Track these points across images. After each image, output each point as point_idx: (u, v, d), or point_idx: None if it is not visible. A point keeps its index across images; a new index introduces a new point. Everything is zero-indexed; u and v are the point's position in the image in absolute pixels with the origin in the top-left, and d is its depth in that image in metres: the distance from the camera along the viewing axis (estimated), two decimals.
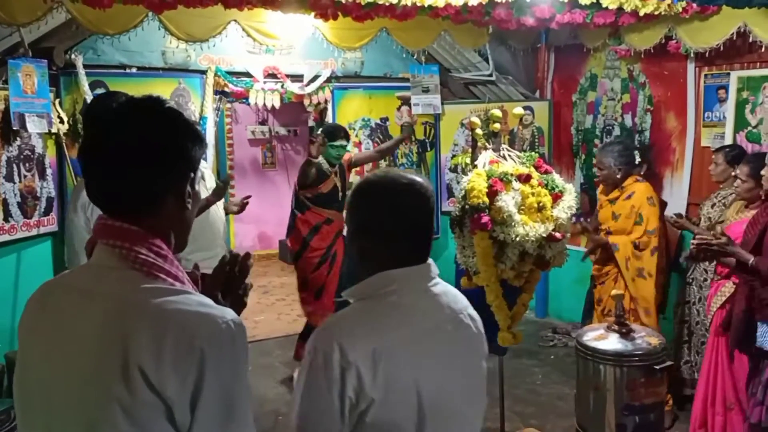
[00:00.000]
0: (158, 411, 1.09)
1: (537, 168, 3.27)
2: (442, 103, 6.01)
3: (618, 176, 4.16)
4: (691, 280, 4.07)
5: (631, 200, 4.10)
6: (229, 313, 1.16)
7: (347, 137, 4.70)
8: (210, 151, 5.31)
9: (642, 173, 4.49)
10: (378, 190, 1.49)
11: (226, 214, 4.15)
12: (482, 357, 1.57)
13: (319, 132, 4.71)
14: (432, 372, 1.41)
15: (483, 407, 1.59)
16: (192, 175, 1.25)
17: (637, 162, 4.54)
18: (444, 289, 1.52)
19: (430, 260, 1.51)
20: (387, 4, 3.77)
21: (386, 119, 6.01)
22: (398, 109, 6.04)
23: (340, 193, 4.64)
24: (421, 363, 1.40)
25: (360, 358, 1.33)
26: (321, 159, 4.55)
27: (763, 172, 3.11)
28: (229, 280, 1.39)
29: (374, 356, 1.33)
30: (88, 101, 4.24)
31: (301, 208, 4.60)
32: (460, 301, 1.55)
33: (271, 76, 5.49)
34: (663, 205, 4.33)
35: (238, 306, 1.37)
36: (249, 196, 4.23)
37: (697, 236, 3.04)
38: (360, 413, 1.34)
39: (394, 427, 1.36)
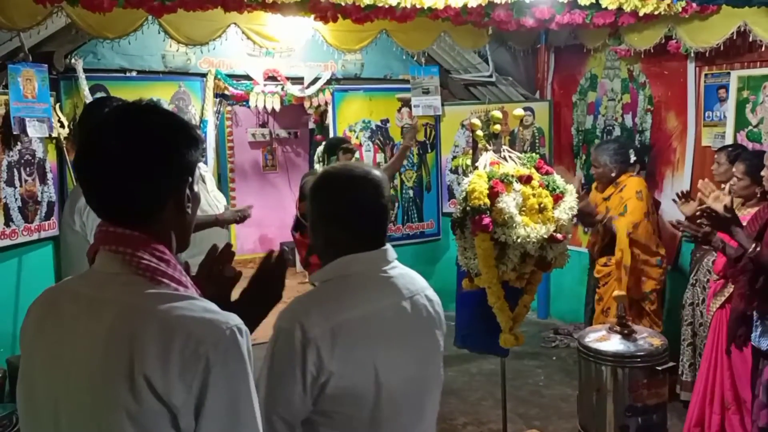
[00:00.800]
0: (164, 418, 1.09)
1: (538, 169, 3.27)
2: (443, 105, 6.01)
3: (613, 174, 4.26)
4: (694, 281, 4.06)
5: (621, 193, 4.24)
6: (233, 319, 1.16)
7: (352, 150, 4.65)
8: (210, 155, 5.31)
9: (636, 172, 4.56)
10: (337, 182, 1.61)
11: (223, 224, 4.09)
12: (437, 334, 1.69)
13: (321, 155, 4.65)
14: (387, 347, 1.53)
15: (439, 381, 1.71)
16: (190, 179, 1.24)
17: (632, 161, 4.59)
18: (401, 271, 1.65)
19: (387, 245, 1.64)
20: (386, 6, 3.77)
21: (387, 121, 6.01)
22: (399, 110, 6.04)
23: None
24: (377, 339, 1.52)
25: (319, 336, 1.45)
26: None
27: (763, 173, 3.11)
28: (270, 274, 1.48)
29: (332, 334, 1.46)
30: None
31: (301, 229, 4.36)
32: (417, 283, 1.67)
33: (272, 78, 5.49)
34: (655, 204, 4.38)
35: (276, 298, 1.48)
36: (250, 206, 4.18)
37: (702, 207, 2.98)
38: (321, 385, 1.45)
39: (353, 397, 1.48)
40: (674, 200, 4.12)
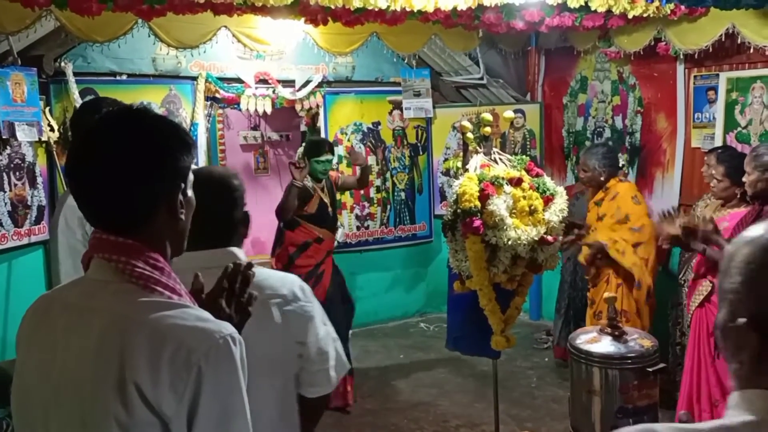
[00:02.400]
0: (155, 428, 1.09)
1: (528, 171, 3.27)
2: (434, 107, 6.02)
3: (602, 178, 4.22)
4: (683, 282, 4.08)
5: (616, 201, 4.16)
6: (226, 328, 1.15)
7: (332, 151, 4.46)
8: (202, 158, 5.30)
9: (624, 175, 4.55)
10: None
11: None
12: (285, 336, 1.67)
13: (301, 157, 4.39)
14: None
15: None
16: (183, 184, 1.23)
17: (620, 165, 4.60)
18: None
19: (233, 248, 1.70)
20: (377, 9, 3.78)
21: (378, 123, 6.01)
22: (390, 113, 6.05)
23: (330, 209, 4.41)
24: None
25: None
26: (307, 178, 4.29)
27: (744, 179, 3.17)
28: (232, 291, 1.35)
29: None
30: None
31: (291, 225, 4.34)
32: (270, 287, 1.66)
33: (263, 81, 5.48)
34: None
35: (243, 316, 1.34)
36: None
37: (684, 222, 3.07)
38: None
39: None
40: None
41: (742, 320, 0.88)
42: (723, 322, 0.93)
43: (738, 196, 3.49)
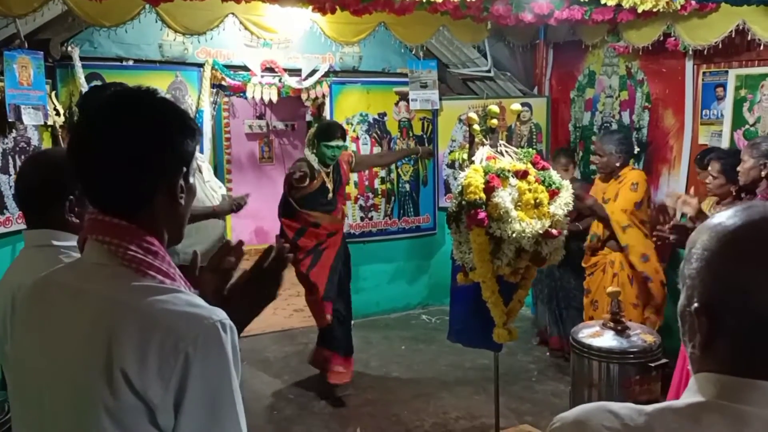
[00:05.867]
0: (141, 413, 1.07)
1: (534, 164, 3.26)
2: (440, 99, 6.00)
3: (617, 164, 4.22)
4: None
5: (620, 185, 4.24)
6: (217, 314, 1.13)
7: (344, 136, 4.38)
8: (207, 145, 5.29)
9: (639, 165, 4.57)
10: None
11: (220, 215, 4.10)
12: None
13: (311, 139, 4.36)
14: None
15: None
16: (185, 169, 1.21)
17: (635, 152, 4.60)
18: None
19: (31, 231, 1.78)
20: None
21: (384, 114, 5.99)
22: (396, 104, 6.03)
23: (330, 194, 4.38)
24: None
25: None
26: (313, 157, 4.30)
27: (739, 168, 3.21)
28: (265, 270, 1.34)
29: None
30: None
31: (288, 213, 4.34)
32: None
33: (269, 70, 5.46)
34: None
35: (269, 298, 1.35)
36: (247, 194, 4.18)
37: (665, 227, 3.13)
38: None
39: None
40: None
41: (695, 305, 0.91)
42: (681, 306, 0.96)
43: (733, 194, 3.50)
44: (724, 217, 0.94)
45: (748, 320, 0.88)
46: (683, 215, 3.45)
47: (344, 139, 4.40)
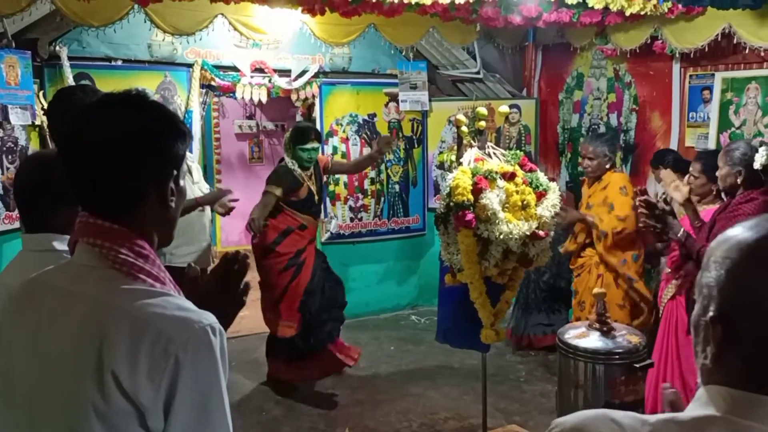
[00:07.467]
0: (131, 417, 1.08)
1: (522, 166, 3.28)
2: (430, 100, 6.02)
3: (607, 166, 4.21)
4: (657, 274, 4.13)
5: (606, 190, 4.19)
6: (207, 318, 1.14)
7: (319, 138, 4.35)
8: (196, 146, 5.28)
9: (619, 168, 4.61)
10: None
11: (203, 206, 4.10)
12: None
13: (287, 143, 4.30)
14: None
15: None
16: (175, 172, 1.22)
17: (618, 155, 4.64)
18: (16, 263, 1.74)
19: (31, 235, 1.73)
20: (374, 0, 3.77)
21: (374, 115, 6.00)
22: (386, 105, 6.04)
23: (316, 197, 4.37)
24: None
25: None
26: (293, 165, 4.25)
27: (717, 173, 3.23)
28: (228, 278, 1.34)
29: None
30: None
31: (273, 212, 4.24)
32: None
33: (259, 70, 5.46)
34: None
35: (237, 305, 1.33)
36: (236, 200, 4.15)
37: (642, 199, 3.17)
38: None
39: None
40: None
41: (711, 314, 0.91)
42: (696, 316, 0.95)
43: (714, 193, 3.53)
44: (745, 227, 0.93)
45: (762, 330, 0.87)
46: (665, 197, 3.48)
47: (319, 141, 4.39)
